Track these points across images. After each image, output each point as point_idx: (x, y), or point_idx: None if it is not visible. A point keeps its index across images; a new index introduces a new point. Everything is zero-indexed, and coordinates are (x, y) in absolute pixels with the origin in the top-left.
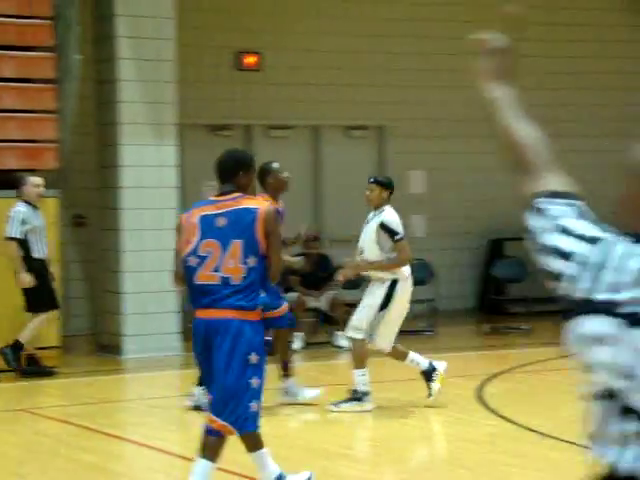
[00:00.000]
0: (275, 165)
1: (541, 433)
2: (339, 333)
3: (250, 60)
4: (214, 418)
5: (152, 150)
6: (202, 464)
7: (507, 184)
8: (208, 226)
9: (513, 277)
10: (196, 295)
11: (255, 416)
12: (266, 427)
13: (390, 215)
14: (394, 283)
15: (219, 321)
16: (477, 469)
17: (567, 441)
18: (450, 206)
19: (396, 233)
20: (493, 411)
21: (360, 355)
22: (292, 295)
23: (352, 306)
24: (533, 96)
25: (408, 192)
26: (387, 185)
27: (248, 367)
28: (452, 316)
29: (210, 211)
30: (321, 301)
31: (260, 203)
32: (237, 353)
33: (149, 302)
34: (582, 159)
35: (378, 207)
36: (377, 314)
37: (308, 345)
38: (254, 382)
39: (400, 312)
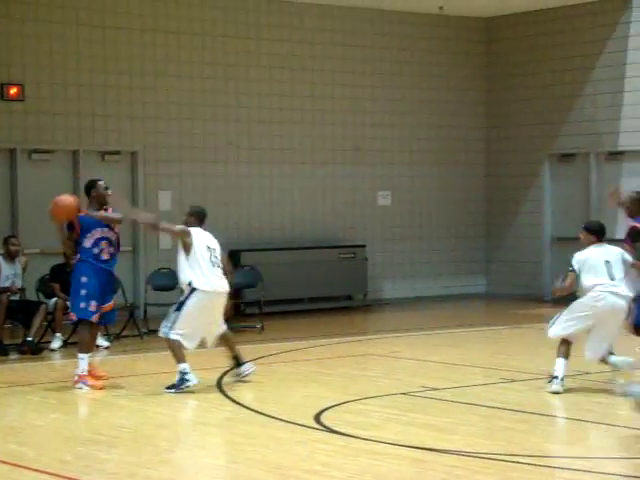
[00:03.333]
0: None
1: (271, 416)
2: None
3: (13, 91)
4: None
5: None
6: None
7: (244, 203)
8: None
9: (248, 284)
10: None
11: None
12: (27, 417)
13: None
14: None
15: None
16: (215, 449)
17: (291, 422)
18: None
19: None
20: (230, 398)
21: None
22: (53, 300)
23: None
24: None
25: (157, 209)
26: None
27: None
28: None
29: None
30: None
31: None
32: None
33: None
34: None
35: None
36: None
37: (67, 345)
38: None
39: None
